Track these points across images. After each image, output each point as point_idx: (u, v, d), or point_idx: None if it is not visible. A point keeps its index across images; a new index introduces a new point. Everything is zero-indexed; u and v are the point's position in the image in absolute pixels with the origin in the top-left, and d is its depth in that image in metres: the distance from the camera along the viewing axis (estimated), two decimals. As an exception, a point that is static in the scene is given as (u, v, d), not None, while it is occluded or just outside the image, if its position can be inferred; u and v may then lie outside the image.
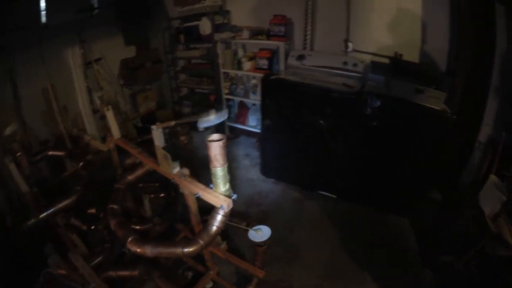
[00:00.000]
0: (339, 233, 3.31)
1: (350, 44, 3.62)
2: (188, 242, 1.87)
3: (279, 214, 3.67)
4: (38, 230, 2.79)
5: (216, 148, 1.81)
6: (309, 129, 3.63)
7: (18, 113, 3.82)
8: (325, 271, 2.89)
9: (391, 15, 3.61)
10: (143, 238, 1.96)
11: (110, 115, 2.84)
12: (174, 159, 2.18)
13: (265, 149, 4.36)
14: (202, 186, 2.06)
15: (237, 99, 5.26)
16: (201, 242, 1.86)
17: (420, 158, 3.10)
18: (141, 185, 3.52)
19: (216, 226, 1.88)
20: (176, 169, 2.21)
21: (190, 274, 2.82)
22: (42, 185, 3.23)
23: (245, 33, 4.55)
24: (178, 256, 1.85)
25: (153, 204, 3.51)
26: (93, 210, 3.14)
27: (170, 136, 3.05)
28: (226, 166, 1.91)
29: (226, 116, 2.36)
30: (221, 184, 1.95)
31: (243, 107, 5.38)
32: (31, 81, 3.89)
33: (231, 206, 1.89)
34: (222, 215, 1.88)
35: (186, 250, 1.84)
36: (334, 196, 3.81)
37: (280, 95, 3.74)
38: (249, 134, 5.31)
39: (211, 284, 2.76)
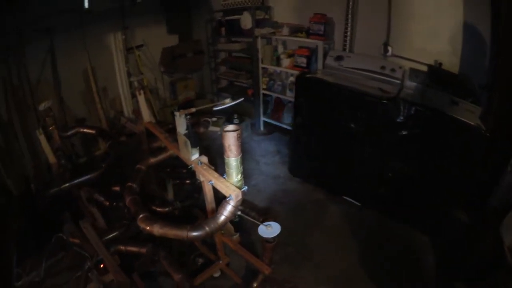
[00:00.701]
0: (356, 240, 3.22)
1: (389, 48, 3.50)
2: (194, 226, 1.91)
3: (299, 214, 3.63)
4: (60, 200, 2.98)
5: (230, 138, 1.84)
6: (339, 131, 3.55)
7: (57, 91, 4.06)
8: (334, 278, 2.81)
9: (433, 22, 3.42)
10: (155, 217, 2.03)
11: (141, 99, 2.97)
12: (194, 146, 2.23)
13: (294, 147, 4.31)
14: (216, 174, 2.10)
15: (274, 95, 5.24)
16: (207, 228, 1.89)
17: (449, 174, 2.92)
18: (168, 170, 3.64)
19: (225, 216, 1.90)
20: (195, 156, 2.26)
21: (200, 260, 2.87)
22: (73, 160, 3.44)
23: (285, 30, 4.53)
24: (183, 239, 1.89)
25: (179, 190, 3.61)
26: (117, 188, 3.28)
27: (201, 125, 3.13)
28: (239, 157, 1.93)
29: (241, 99, 2.38)
30: (234, 174, 1.98)
31: (280, 103, 5.36)
32: (73, 62, 4.14)
33: (239, 197, 1.90)
34: (232, 205, 1.89)
35: (191, 234, 1.87)
36: (358, 203, 3.70)
37: (314, 95, 3.69)
38: (283, 131, 5.27)
39: (218, 274, 2.80)
